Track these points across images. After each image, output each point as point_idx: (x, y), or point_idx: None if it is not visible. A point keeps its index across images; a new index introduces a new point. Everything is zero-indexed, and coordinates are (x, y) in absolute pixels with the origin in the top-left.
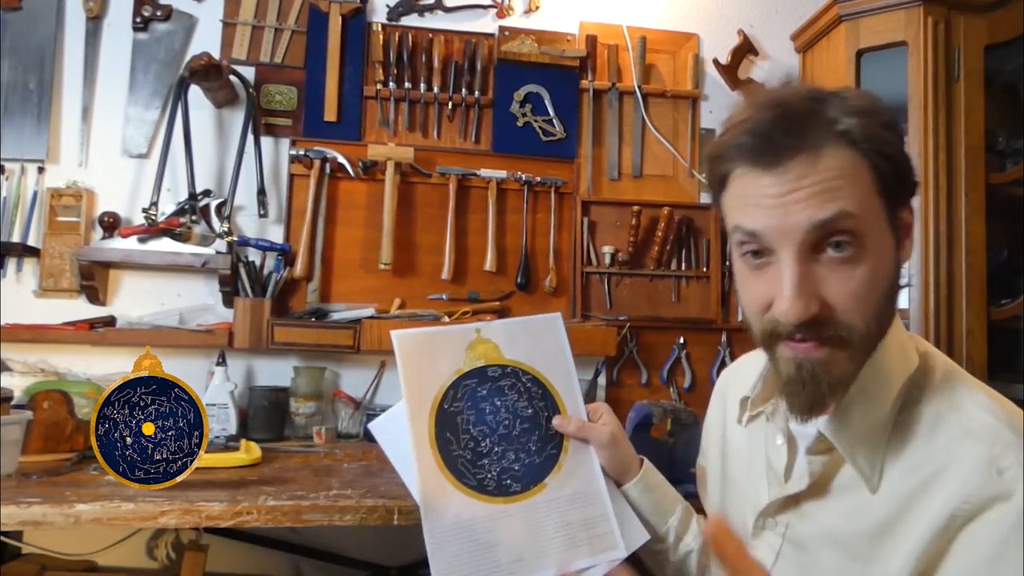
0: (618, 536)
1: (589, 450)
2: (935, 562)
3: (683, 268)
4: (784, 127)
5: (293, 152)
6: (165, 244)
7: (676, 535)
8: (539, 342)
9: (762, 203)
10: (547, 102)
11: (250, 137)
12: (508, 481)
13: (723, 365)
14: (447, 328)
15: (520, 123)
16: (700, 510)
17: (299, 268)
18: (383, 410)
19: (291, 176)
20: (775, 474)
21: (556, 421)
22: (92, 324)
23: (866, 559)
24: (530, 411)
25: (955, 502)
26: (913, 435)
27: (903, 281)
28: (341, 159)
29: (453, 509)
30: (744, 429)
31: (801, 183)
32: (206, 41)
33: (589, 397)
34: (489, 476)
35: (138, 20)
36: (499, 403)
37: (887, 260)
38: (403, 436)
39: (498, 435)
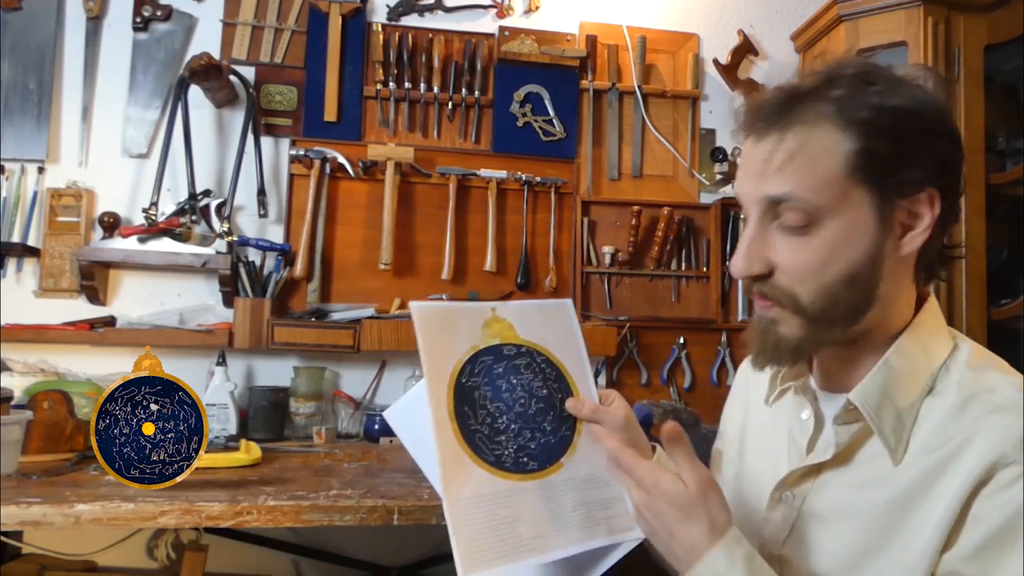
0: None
1: (603, 434)
2: (959, 524)
3: (683, 268)
4: (780, 101)
5: (293, 152)
6: (165, 244)
7: None
8: (552, 325)
9: (745, 170)
10: (547, 102)
11: (250, 137)
12: (525, 459)
13: (723, 365)
14: (463, 304)
15: (520, 123)
16: None
17: (299, 268)
18: (383, 410)
19: (291, 176)
20: (797, 447)
21: (570, 404)
22: (92, 324)
23: (884, 530)
24: (545, 392)
25: (980, 468)
26: (942, 413)
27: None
28: (341, 159)
29: (472, 483)
30: (769, 409)
31: (768, 156)
32: (206, 41)
33: None
34: (506, 452)
35: (138, 20)
36: (515, 381)
37: (855, 244)
38: (419, 421)
39: (514, 412)
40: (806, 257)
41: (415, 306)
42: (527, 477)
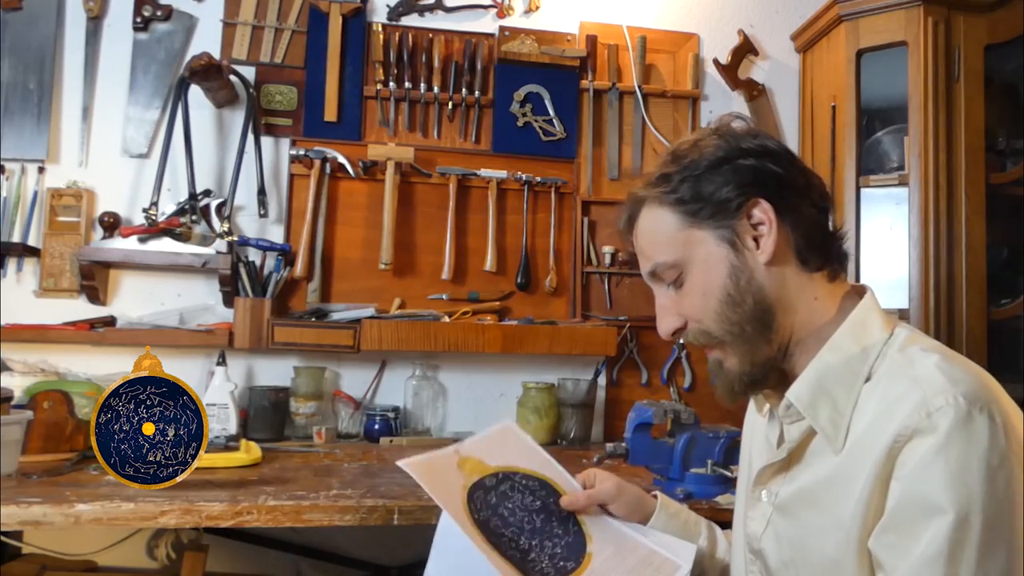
0: (674, 559)
1: (601, 512)
2: (881, 497)
3: None
4: (626, 213)
5: (293, 152)
6: (165, 244)
7: (709, 552)
8: (508, 446)
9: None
10: (547, 102)
11: (250, 137)
12: (561, 563)
13: None
14: (433, 455)
15: (520, 123)
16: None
17: (299, 268)
18: (383, 410)
19: (291, 176)
20: (770, 448)
21: (564, 502)
22: (92, 324)
23: (827, 512)
24: (538, 503)
25: (893, 436)
26: (876, 397)
27: (804, 268)
28: (341, 159)
29: None
30: (763, 417)
31: (637, 247)
32: (206, 41)
33: (589, 397)
34: (545, 565)
35: (138, 20)
36: (511, 505)
37: (719, 272)
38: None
39: (527, 530)
40: (692, 298)
41: (403, 464)
42: None
